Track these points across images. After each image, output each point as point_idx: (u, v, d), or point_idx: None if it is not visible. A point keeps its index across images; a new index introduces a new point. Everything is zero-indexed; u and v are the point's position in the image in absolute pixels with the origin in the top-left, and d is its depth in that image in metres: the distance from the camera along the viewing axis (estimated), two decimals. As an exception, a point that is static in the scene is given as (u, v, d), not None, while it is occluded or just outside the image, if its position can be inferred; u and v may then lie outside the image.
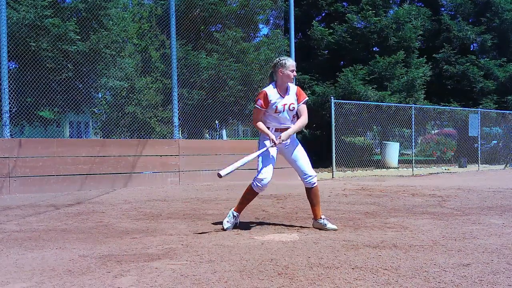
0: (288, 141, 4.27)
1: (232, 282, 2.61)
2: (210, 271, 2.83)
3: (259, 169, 4.21)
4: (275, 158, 4.29)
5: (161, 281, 2.64)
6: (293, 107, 4.23)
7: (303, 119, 4.28)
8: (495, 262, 3.03)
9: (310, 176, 4.26)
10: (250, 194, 4.28)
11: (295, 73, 4.26)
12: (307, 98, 4.35)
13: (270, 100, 4.18)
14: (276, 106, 4.18)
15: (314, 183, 4.29)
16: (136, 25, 10.93)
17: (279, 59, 4.26)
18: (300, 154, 4.31)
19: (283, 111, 4.21)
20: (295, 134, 4.35)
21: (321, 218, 4.27)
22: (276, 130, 4.25)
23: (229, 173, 4.07)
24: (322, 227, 4.24)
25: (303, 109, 4.29)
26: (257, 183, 4.17)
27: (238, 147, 9.83)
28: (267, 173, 4.18)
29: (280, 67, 4.19)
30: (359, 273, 2.78)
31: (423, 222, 4.64)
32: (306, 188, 4.33)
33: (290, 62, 4.22)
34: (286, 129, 4.24)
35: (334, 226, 4.25)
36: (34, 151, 7.54)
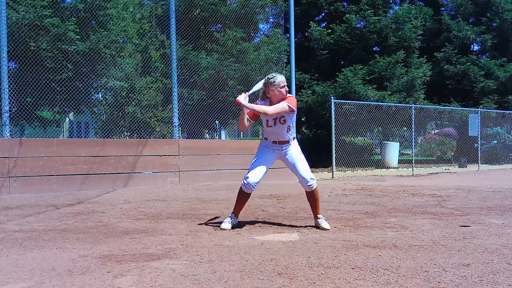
0: (289, 148, 4.32)
1: (232, 282, 2.61)
2: (210, 271, 2.83)
3: (249, 169, 4.29)
4: (270, 162, 4.35)
5: (161, 281, 2.64)
6: (284, 120, 4.23)
7: (269, 108, 4.15)
8: (495, 262, 3.03)
9: (308, 181, 4.29)
10: (240, 194, 4.36)
11: (286, 88, 4.26)
12: (291, 105, 4.19)
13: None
14: (267, 120, 4.26)
15: (313, 186, 4.33)
16: (136, 25, 10.92)
17: (268, 77, 4.25)
18: (299, 160, 4.33)
19: (274, 125, 4.26)
20: (296, 140, 4.41)
21: (317, 217, 4.37)
22: (274, 142, 4.32)
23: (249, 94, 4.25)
24: (318, 225, 4.33)
25: (281, 103, 4.19)
26: (244, 181, 4.27)
27: (238, 147, 9.83)
28: (254, 174, 4.24)
29: (271, 86, 4.20)
30: (359, 273, 2.78)
31: (423, 222, 4.64)
32: (306, 191, 4.40)
33: (280, 79, 4.21)
34: (285, 141, 4.30)
35: (326, 226, 4.29)
36: (34, 151, 7.54)
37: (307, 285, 2.57)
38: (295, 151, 4.36)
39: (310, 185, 4.30)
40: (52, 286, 2.58)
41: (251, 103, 4.22)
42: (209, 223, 4.61)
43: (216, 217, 4.91)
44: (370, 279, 2.67)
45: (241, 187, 4.31)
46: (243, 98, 4.14)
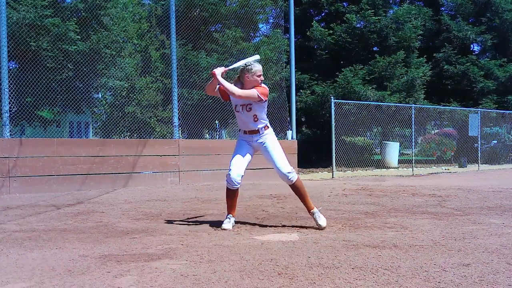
0: (263, 139, 4.31)
1: (232, 282, 2.61)
2: (210, 271, 2.83)
3: (229, 165, 4.31)
4: (247, 153, 4.34)
5: (161, 281, 2.64)
6: (250, 108, 4.24)
7: (237, 89, 4.18)
8: (495, 262, 3.03)
9: (285, 174, 4.26)
10: (227, 192, 4.37)
11: (262, 77, 4.27)
12: (260, 94, 4.18)
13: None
14: (236, 105, 4.29)
15: (291, 179, 4.27)
16: (136, 25, 10.92)
17: (245, 64, 4.27)
18: (274, 152, 4.30)
19: (241, 111, 4.27)
20: (270, 129, 4.39)
21: (311, 212, 4.32)
22: (245, 132, 4.36)
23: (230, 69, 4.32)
24: (315, 220, 4.28)
25: (251, 90, 4.20)
26: (226, 178, 4.29)
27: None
28: (235, 169, 4.25)
29: (247, 73, 4.23)
30: (359, 273, 2.78)
31: (423, 222, 4.64)
32: (289, 186, 4.37)
33: (257, 68, 4.24)
34: (253, 131, 4.30)
35: (322, 223, 4.23)
36: (34, 151, 7.54)
37: (307, 285, 2.58)
38: (270, 143, 4.32)
39: (289, 178, 4.26)
40: (52, 286, 2.59)
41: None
42: (209, 223, 4.61)
43: (216, 217, 4.91)
44: (370, 279, 2.67)
45: (226, 186, 4.32)
46: (219, 71, 4.18)
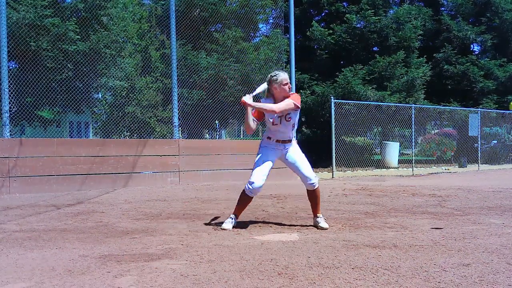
0: (289, 147, 4.34)
1: (232, 282, 2.61)
2: (210, 271, 2.83)
3: (252, 172, 4.27)
4: (272, 163, 4.34)
5: (161, 281, 2.64)
6: (290, 117, 4.24)
7: (276, 105, 4.15)
8: (495, 262, 3.03)
9: (311, 180, 4.32)
10: (242, 196, 4.33)
11: (289, 84, 4.26)
12: (295, 103, 4.19)
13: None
14: (273, 119, 4.24)
15: (315, 185, 4.35)
16: (136, 25, 10.93)
17: (270, 75, 4.26)
18: (300, 159, 4.35)
19: (280, 123, 4.25)
20: (295, 140, 4.44)
21: (317, 216, 4.41)
22: (278, 141, 4.32)
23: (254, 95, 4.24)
24: (317, 225, 4.35)
25: (286, 100, 4.19)
26: (248, 186, 4.24)
27: (238, 147, 9.83)
28: (259, 178, 4.22)
29: (274, 84, 4.22)
30: (359, 273, 2.78)
31: (423, 222, 4.64)
32: (307, 190, 4.42)
33: (282, 76, 4.22)
34: (288, 140, 4.32)
35: (325, 225, 4.31)
36: (34, 151, 7.53)
37: (307, 285, 2.58)
38: (295, 150, 4.38)
39: (312, 183, 4.32)
40: (52, 286, 2.59)
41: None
42: (209, 223, 4.61)
43: (216, 217, 4.91)
44: (370, 279, 2.67)
45: (244, 190, 4.28)
46: (248, 98, 4.11)
